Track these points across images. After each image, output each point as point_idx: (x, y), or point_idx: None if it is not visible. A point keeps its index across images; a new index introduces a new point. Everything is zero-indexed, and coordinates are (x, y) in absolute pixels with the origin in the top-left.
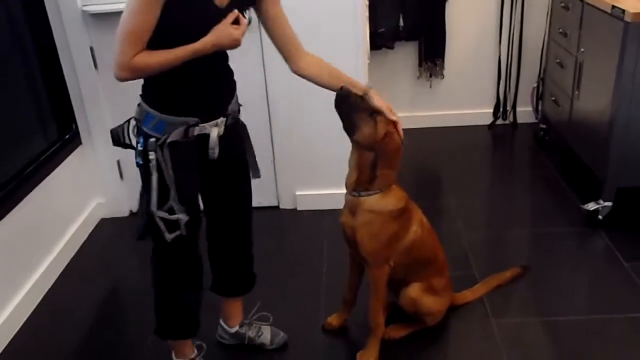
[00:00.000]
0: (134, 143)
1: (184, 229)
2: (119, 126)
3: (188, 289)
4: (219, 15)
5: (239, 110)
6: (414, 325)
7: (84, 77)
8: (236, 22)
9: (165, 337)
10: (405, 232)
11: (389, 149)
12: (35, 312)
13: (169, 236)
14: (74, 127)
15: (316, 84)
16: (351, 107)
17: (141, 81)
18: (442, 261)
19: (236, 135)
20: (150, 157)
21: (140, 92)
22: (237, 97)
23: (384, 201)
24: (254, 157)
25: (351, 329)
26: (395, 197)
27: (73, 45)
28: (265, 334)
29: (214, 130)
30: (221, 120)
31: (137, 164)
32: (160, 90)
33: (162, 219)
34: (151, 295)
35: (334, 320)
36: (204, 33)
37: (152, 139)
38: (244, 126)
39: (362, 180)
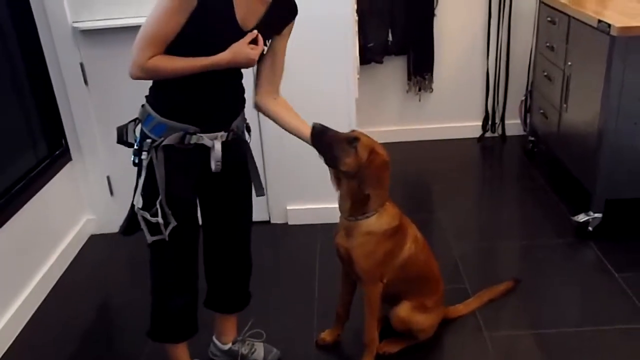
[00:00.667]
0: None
1: (166, 234)
2: (123, 124)
3: (182, 292)
4: (242, 37)
5: (246, 128)
6: (408, 340)
7: (74, 93)
8: (254, 41)
9: (156, 339)
10: (400, 249)
11: (375, 169)
12: (26, 329)
13: (150, 237)
14: (63, 143)
15: (278, 121)
16: (330, 141)
17: (143, 91)
18: (437, 275)
19: (238, 150)
20: (143, 157)
21: (147, 94)
22: (244, 115)
23: (380, 221)
24: (258, 175)
25: (344, 345)
26: (390, 216)
27: (63, 62)
28: (259, 351)
29: (217, 143)
30: (222, 134)
31: (134, 162)
32: (166, 94)
33: (144, 218)
34: (142, 310)
35: (327, 335)
36: (222, 49)
37: (148, 140)
38: (248, 145)
39: (357, 206)
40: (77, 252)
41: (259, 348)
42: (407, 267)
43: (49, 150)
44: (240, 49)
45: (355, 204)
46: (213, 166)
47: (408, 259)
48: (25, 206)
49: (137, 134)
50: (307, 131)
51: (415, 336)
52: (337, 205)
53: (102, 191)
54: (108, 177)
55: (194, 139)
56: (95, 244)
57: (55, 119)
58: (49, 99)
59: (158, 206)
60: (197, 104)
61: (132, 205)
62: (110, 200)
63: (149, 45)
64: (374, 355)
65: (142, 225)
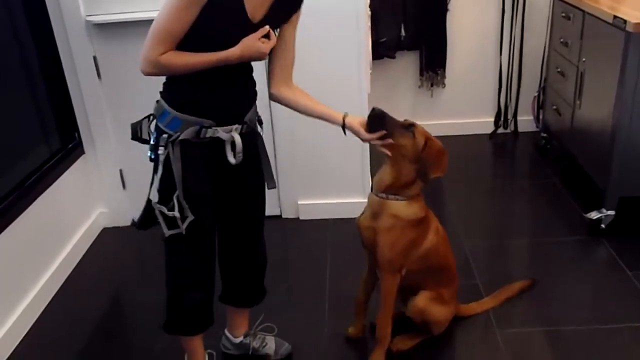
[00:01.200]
0: (150, 138)
1: (183, 228)
2: (137, 121)
3: (195, 288)
4: (251, 29)
5: (258, 121)
6: (420, 336)
7: (87, 86)
8: (265, 36)
9: (172, 332)
10: (422, 240)
11: (432, 156)
12: (38, 322)
13: (167, 232)
14: (76, 136)
15: (301, 108)
16: (388, 124)
17: (156, 85)
18: (453, 269)
19: (251, 142)
20: (159, 152)
21: (161, 89)
22: (256, 108)
23: (408, 209)
24: (270, 167)
25: (355, 340)
26: (419, 207)
27: (76, 55)
28: (270, 345)
29: (235, 135)
30: (236, 127)
31: (150, 158)
32: (180, 89)
33: (161, 213)
34: (155, 304)
35: (354, 330)
36: (233, 44)
37: (165, 135)
38: (260, 137)
39: (398, 185)
40: (89, 245)
41: (270, 342)
42: (427, 258)
43: (62, 144)
44: (252, 43)
45: (396, 183)
46: (233, 159)
47: (429, 250)
48: (38, 199)
49: (153, 129)
50: (337, 115)
51: (429, 329)
52: (348, 201)
53: (114, 184)
54: (120, 171)
55: (209, 133)
56: (107, 237)
57: (68, 112)
58: (62, 92)
59: (175, 201)
60: (210, 97)
61: (148, 200)
62: (122, 193)
63: (160, 42)
64: (385, 350)
65: (160, 219)
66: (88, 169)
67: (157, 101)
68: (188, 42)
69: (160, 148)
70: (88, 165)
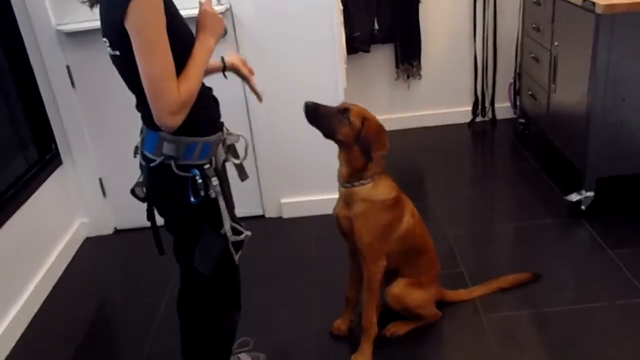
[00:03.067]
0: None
1: (246, 246)
2: (136, 183)
3: (235, 307)
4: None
5: None
6: (416, 321)
7: (61, 96)
8: None
9: None
10: (399, 221)
11: (373, 133)
12: (25, 334)
13: (237, 257)
14: (53, 147)
15: None
16: (323, 115)
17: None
18: (432, 250)
19: None
20: (214, 183)
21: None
22: None
23: (376, 190)
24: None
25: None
26: (387, 186)
27: (49, 65)
28: None
29: (242, 135)
30: (226, 130)
31: (194, 203)
32: (191, 113)
33: (232, 243)
34: (141, 311)
35: (341, 324)
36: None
37: (207, 166)
38: None
39: (355, 172)
40: (72, 255)
41: (246, 359)
42: (406, 241)
43: (39, 155)
44: (213, 18)
45: (354, 171)
46: (238, 160)
47: (406, 231)
48: (18, 212)
49: (179, 172)
50: (216, 62)
51: (417, 315)
52: (330, 197)
53: (94, 193)
54: (100, 179)
55: (228, 142)
56: (90, 246)
57: (43, 123)
58: (36, 103)
59: (232, 224)
60: (212, 108)
61: (220, 245)
62: (103, 202)
63: (170, 81)
64: (372, 339)
65: (232, 250)
66: (67, 179)
67: (167, 142)
68: (176, 61)
69: (213, 179)
70: (67, 176)
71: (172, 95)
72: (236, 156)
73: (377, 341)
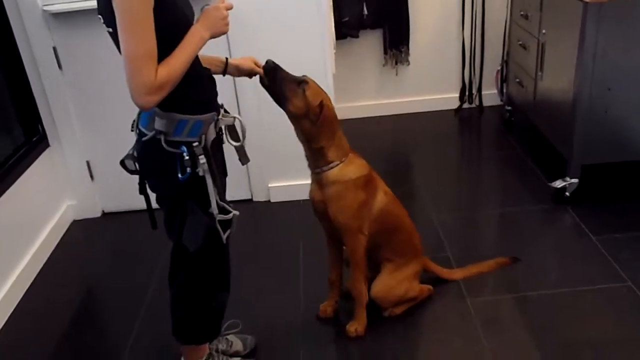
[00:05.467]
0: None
1: (235, 227)
2: (127, 155)
3: (223, 288)
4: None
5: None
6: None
7: (48, 78)
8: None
9: (195, 341)
10: (373, 199)
11: (327, 123)
12: (11, 318)
13: (224, 236)
14: (40, 129)
15: None
16: (280, 79)
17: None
18: (410, 226)
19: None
20: (201, 161)
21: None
22: None
23: (346, 170)
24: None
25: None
26: (357, 165)
27: (35, 47)
28: (236, 342)
29: (237, 117)
30: (223, 111)
31: (181, 179)
32: (183, 92)
33: (219, 221)
34: (128, 294)
35: (326, 307)
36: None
37: (195, 144)
38: None
39: (316, 157)
40: (59, 238)
41: (235, 340)
42: (383, 218)
43: (26, 137)
44: (218, 15)
45: (315, 148)
46: (236, 142)
47: (382, 210)
48: (5, 195)
49: (166, 147)
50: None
51: (405, 301)
52: None
53: (82, 176)
54: (88, 162)
55: (221, 123)
56: (77, 229)
57: (30, 105)
58: (23, 85)
59: (220, 203)
60: (207, 88)
61: (205, 222)
62: (90, 185)
63: (147, 64)
64: (364, 307)
65: (219, 228)
66: (54, 162)
67: (158, 116)
68: (161, 45)
69: (200, 157)
70: (54, 158)
71: (148, 77)
72: (236, 139)
73: (368, 324)
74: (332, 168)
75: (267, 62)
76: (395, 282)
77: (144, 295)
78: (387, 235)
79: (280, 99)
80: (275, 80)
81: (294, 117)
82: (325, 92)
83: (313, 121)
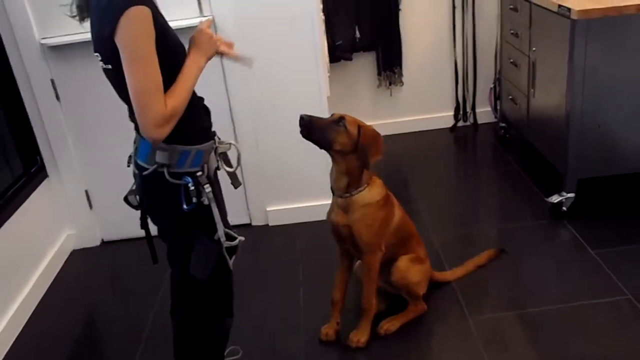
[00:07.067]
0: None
1: (240, 251)
2: (129, 191)
3: (228, 314)
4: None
5: None
6: (404, 316)
7: (46, 109)
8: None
9: None
10: (392, 216)
11: (371, 139)
12: (13, 347)
13: (231, 263)
14: (39, 160)
15: None
16: (319, 127)
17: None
18: (416, 232)
19: None
20: (207, 189)
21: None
22: None
23: (372, 193)
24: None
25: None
26: (378, 186)
27: (33, 79)
28: None
29: (235, 144)
30: (217, 137)
31: (186, 210)
32: (185, 122)
33: (225, 248)
34: (129, 323)
35: (329, 329)
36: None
37: (199, 173)
38: None
39: (352, 182)
40: (59, 268)
41: None
42: (399, 231)
43: (25, 168)
44: (208, 39)
45: (352, 180)
46: (230, 168)
47: (399, 223)
48: (5, 225)
49: (170, 179)
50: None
51: (413, 292)
52: (315, 203)
53: (81, 206)
54: (86, 191)
55: (220, 150)
56: (77, 258)
57: (28, 136)
58: (21, 116)
59: (226, 230)
60: (205, 117)
61: (216, 250)
62: (89, 214)
63: (158, 96)
64: (371, 318)
65: (226, 255)
66: (53, 192)
67: (160, 150)
68: (165, 73)
69: (205, 186)
70: (53, 188)
71: (159, 109)
72: (228, 164)
73: (368, 342)
74: (360, 192)
75: (301, 117)
76: (413, 268)
77: (144, 323)
78: (401, 244)
79: (326, 145)
80: (315, 130)
81: (341, 155)
82: (357, 118)
83: (358, 149)
